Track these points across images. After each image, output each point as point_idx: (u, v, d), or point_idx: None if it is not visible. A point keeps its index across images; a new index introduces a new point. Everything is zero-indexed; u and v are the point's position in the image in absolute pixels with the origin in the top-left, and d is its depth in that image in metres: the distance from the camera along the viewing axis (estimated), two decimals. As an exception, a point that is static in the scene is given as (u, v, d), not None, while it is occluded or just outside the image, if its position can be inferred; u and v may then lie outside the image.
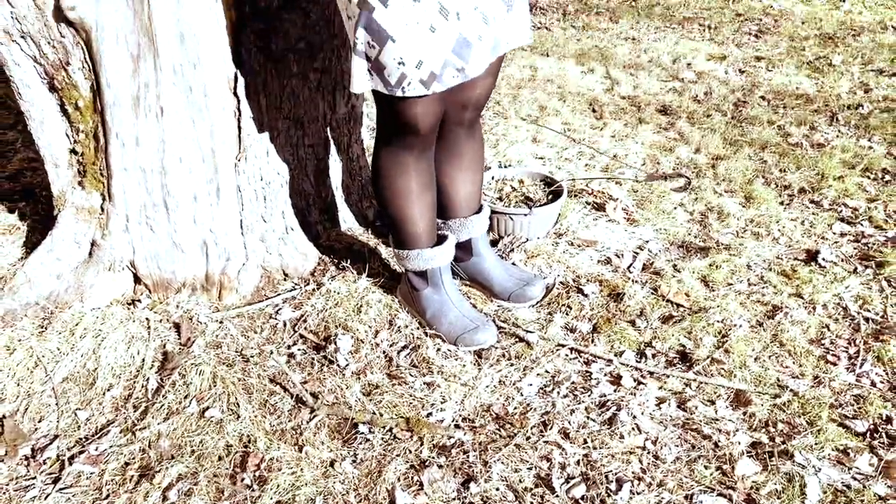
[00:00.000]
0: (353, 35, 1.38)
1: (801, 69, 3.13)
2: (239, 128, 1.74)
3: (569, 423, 1.43)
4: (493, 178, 2.20)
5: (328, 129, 1.96)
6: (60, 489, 1.32)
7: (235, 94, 1.71)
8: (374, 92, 1.45)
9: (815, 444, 1.37)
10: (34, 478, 1.35)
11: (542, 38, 3.67)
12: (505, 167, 2.42)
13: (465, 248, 1.84)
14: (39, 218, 2.09)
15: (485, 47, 1.45)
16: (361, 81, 1.42)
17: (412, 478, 1.33)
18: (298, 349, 1.66)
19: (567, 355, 1.61)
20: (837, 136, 2.56)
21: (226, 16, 1.65)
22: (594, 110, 2.86)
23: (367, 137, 2.12)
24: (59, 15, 1.61)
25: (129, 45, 1.63)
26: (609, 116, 2.80)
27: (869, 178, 2.30)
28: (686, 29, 3.70)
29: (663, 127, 2.70)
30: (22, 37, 1.67)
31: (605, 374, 1.56)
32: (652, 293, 1.81)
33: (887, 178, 2.29)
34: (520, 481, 1.32)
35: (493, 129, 2.73)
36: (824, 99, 2.83)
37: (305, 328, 1.72)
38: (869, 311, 1.73)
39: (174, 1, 1.61)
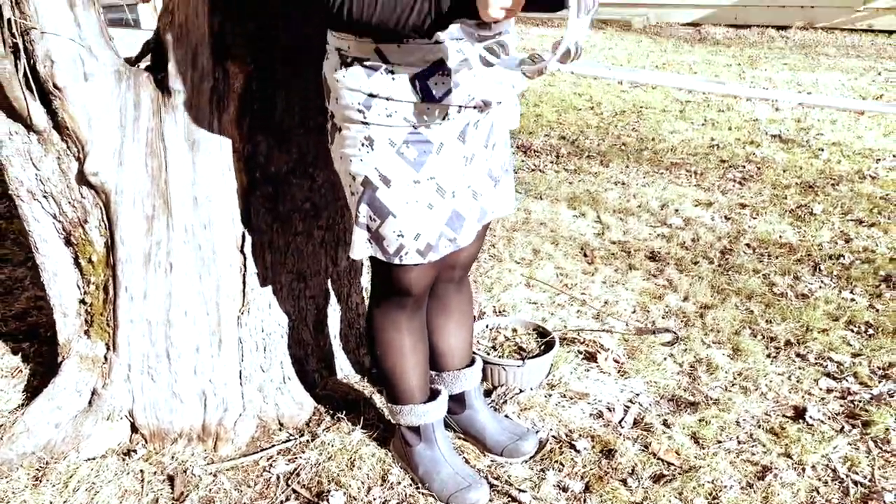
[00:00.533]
0: (355, 209, 1.48)
1: (784, 217, 3.27)
2: (244, 283, 1.82)
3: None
4: (486, 326, 2.27)
5: (329, 280, 2.03)
6: None
7: (242, 251, 1.80)
8: (372, 258, 1.53)
9: None
10: None
11: (536, 181, 3.84)
12: (499, 314, 2.49)
13: (458, 401, 1.88)
14: (42, 360, 2.13)
15: (473, 219, 1.56)
16: (361, 249, 1.51)
17: None
18: (291, 506, 1.66)
19: (559, 517, 1.62)
20: (820, 287, 2.65)
21: (237, 180, 1.76)
22: (585, 255, 2.97)
23: (366, 283, 2.20)
24: (82, 178, 1.73)
25: (144, 206, 1.73)
26: (600, 261, 2.90)
27: (852, 331, 2.37)
28: (673, 174, 3.87)
29: (652, 273, 2.79)
30: (44, 196, 1.77)
31: (597, 539, 1.56)
32: (643, 450, 1.83)
33: (870, 331, 2.36)
34: None
35: (489, 272, 2.82)
36: (807, 248, 2.94)
37: (298, 482, 1.73)
38: (857, 473, 1.75)
39: (190, 168, 1.72)
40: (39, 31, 1.59)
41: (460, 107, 1.39)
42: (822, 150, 4.15)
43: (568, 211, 3.43)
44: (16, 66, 1.62)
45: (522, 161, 4.25)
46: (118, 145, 1.70)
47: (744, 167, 3.93)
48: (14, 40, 1.60)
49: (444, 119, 1.39)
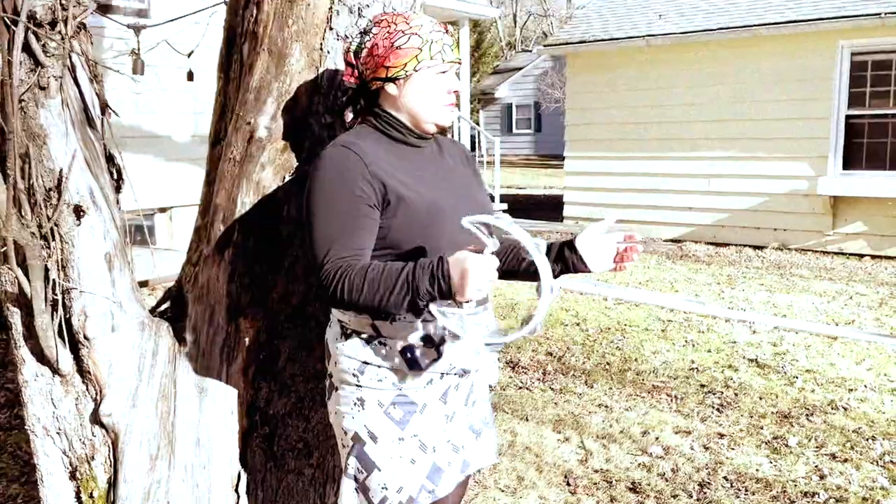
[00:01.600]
0: (345, 461, 1.63)
1: (761, 449, 3.37)
2: (235, 521, 1.91)
3: None
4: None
5: (316, 516, 2.12)
6: None
7: (237, 490, 1.91)
8: (359, 507, 1.65)
9: None
10: None
11: (523, 400, 3.98)
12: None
13: None
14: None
15: (454, 470, 1.70)
16: (349, 498, 1.63)
17: None
18: None
19: None
20: (796, 527, 2.71)
21: (238, 423, 1.92)
22: (569, 483, 3.04)
23: None
24: (96, 418, 1.88)
25: (150, 446, 1.87)
26: (583, 491, 2.97)
27: (828, 577, 2.41)
28: (654, 398, 4.02)
29: (633, 506, 2.86)
30: (58, 433, 1.92)
31: None
32: None
33: (845, 577, 2.40)
34: None
35: (472, 500, 2.88)
36: (782, 484, 3.03)
37: None
38: None
39: (196, 411, 1.88)
40: (79, 290, 1.83)
41: (443, 373, 1.59)
42: (797, 377, 4.34)
43: (553, 434, 3.54)
44: (52, 318, 1.84)
45: (510, 378, 4.42)
46: (133, 388, 1.88)
47: (722, 393, 4.09)
48: (55, 297, 1.83)
49: (428, 384, 1.58)
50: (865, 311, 6.01)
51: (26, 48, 1.72)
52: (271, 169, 1.81)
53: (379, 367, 1.55)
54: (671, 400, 4.00)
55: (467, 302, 1.41)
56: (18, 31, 1.68)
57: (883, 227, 8.28)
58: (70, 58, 1.85)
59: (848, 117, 8.39)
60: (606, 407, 3.90)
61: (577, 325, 5.58)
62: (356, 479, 1.61)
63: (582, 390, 4.17)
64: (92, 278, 1.83)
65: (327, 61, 1.81)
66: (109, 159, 2.01)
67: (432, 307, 1.47)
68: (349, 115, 1.67)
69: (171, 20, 4.85)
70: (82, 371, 1.87)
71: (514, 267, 1.74)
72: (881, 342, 5.08)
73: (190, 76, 5.02)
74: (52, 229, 1.79)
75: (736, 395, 4.07)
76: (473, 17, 11.14)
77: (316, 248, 1.48)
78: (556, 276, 1.69)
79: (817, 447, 3.39)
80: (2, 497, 2.76)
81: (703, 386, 4.22)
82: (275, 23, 1.80)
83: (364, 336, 1.56)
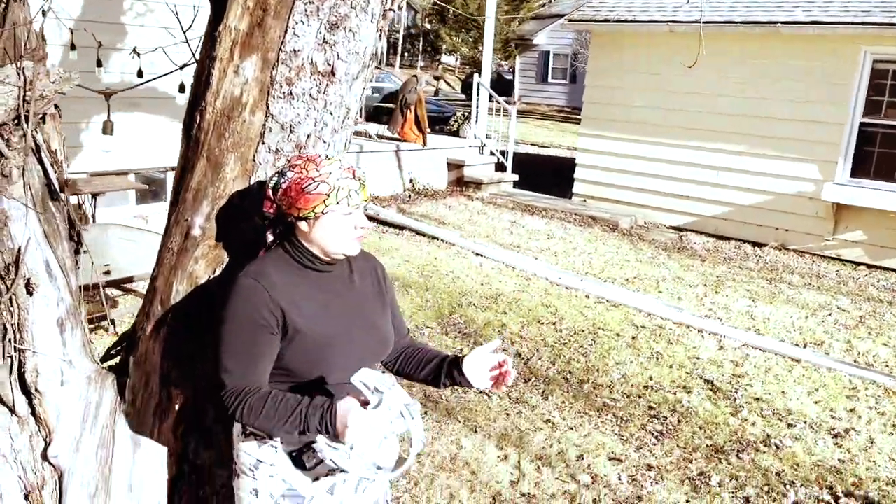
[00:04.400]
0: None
1: (682, 485, 3.63)
2: (160, 555, 2.22)
3: None
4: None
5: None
6: None
7: (163, 529, 2.21)
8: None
9: None
10: None
11: (478, 409, 4.25)
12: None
13: None
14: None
15: None
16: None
17: None
18: None
19: None
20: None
21: (168, 471, 2.20)
22: (494, 507, 3.33)
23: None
24: (45, 456, 2.17)
25: (89, 487, 2.16)
26: (505, 515, 3.26)
27: None
28: (601, 418, 4.28)
29: (546, 537, 3.14)
30: (15, 461, 2.21)
31: None
32: None
33: None
34: None
35: (403, 516, 3.19)
36: (689, 527, 3.29)
37: None
38: None
39: (130, 460, 2.17)
40: (32, 351, 2.09)
41: (328, 473, 1.84)
42: (744, 406, 4.55)
43: (495, 450, 3.82)
44: (10, 371, 2.12)
45: (474, 379, 4.68)
46: (78, 436, 2.15)
47: (666, 418, 4.33)
48: (10, 355, 2.10)
49: (315, 480, 1.84)
50: (840, 332, 6.15)
51: (-9, 143, 1.94)
52: (203, 262, 2.04)
53: (271, 465, 1.81)
54: (616, 421, 4.25)
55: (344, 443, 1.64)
56: (-17, 132, 1.90)
57: (883, 238, 8.31)
58: (35, 141, 2.07)
59: (862, 125, 8.32)
60: (552, 423, 4.16)
61: (553, 324, 5.80)
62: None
63: (537, 402, 4.42)
64: (44, 340, 2.09)
65: (259, 171, 2.00)
66: (71, 225, 2.24)
67: (320, 439, 1.69)
68: (270, 237, 1.88)
69: (147, 80, 5.03)
70: (35, 416, 2.15)
71: (414, 375, 1.99)
72: (841, 370, 5.26)
73: (181, 88, 5.20)
74: (10, 298, 2.04)
75: (679, 421, 4.30)
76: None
77: (220, 368, 1.72)
78: (445, 387, 1.96)
79: (735, 489, 3.64)
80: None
81: (651, 408, 4.45)
82: (214, 133, 1.99)
83: (259, 437, 1.81)
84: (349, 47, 1.99)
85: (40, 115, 2.04)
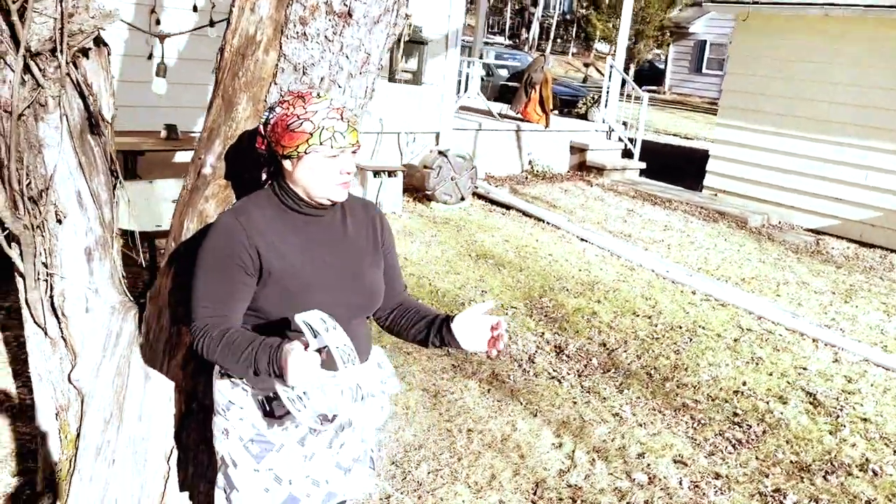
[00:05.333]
0: (218, 475, 1.89)
1: (751, 500, 3.30)
2: (165, 487, 2.27)
3: None
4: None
5: None
6: None
7: (168, 462, 2.25)
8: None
9: None
10: None
11: (545, 392, 4.08)
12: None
13: None
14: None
15: (314, 500, 1.88)
16: (219, 504, 1.90)
17: None
18: None
19: None
20: None
21: (176, 406, 2.24)
22: (535, 493, 3.18)
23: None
24: (70, 379, 2.28)
25: (105, 412, 2.24)
26: (545, 504, 3.11)
27: None
28: (677, 418, 3.98)
29: (584, 531, 2.96)
30: (48, 381, 2.34)
31: None
32: None
33: None
34: None
35: (436, 490, 3.11)
36: (746, 545, 2.99)
37: None
38: None
39: (142, 391, 2.22)
40: (60, 276, 2.18)
41: (297, 423, 1.79)
42: (846, 426, 4.09)
43: (550, 436, 3.65)
44: (42, 295, 2.22)
45: (550, 363, 4.51)
46: (98, 362, 2.24)
47: (750, 427, 3.96)
48: (43, 278, 2.20)
49: (283, 429, 1.79)
50: None
51: (28, 71, 2.03)
52: (214, 202, 2.03)
53: (241, 408, 1.78)
54: (692, 423, 3.95)
55: (292, 387, 1.58)
56: (17, 60, 1.98)
57: None
58: (75, 74, 2.14)
59: None
60: (620, 417, 3.92)
61: (649, 318, 5.49)
62: (225, 492, 1.87)
63: (609, 393, 4.19)
64: (72, 267, 2.18)
65: (269, 112, 1.97)
66: (112, 162, 2.32)
67: (276, 380, 1.64)
68: (264, 175, 1.84)
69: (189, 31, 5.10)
70: (64, 339, 2.25)
71: (404, 332, 1.90)
72: (977, 401, 4.61)
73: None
74: (41, 224, 2.14)
75: (764, 432, 3.93)
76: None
77: (192, 302, 1.71)
78: (436, 347, 1.85)
79: (812, 512, 3.27)
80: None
81: (735, 414, 4.10)
82: (229, 71, 1.97)
83: (233, 379, 1.79)
84: (368, -13, 1.91)
85: (77, 49, 2.11)
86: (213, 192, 2.03)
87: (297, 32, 1.91)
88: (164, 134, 5.74)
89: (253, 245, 1.69)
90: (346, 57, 1.96)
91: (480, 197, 8.38)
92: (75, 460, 2.29)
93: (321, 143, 1.66)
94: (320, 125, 1.66)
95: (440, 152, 7.67)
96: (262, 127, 1.75)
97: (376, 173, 7.12)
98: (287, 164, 1.71)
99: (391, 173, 7.21)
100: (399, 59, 6.53)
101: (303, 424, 1.66)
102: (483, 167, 9.03)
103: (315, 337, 1.54)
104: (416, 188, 7.78)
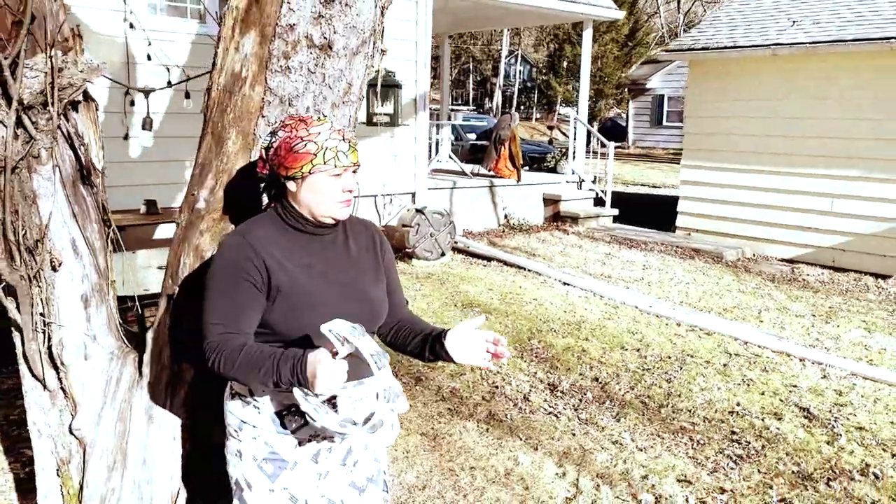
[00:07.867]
0: (233, 500, 1.88)
1: (758, 511, 3.30)
2: (172, 531, 2.24)
3: None
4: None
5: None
6: None
7: (175, 504, 2.23)
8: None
9: None
10: None
11: (543, 427, 4.08)
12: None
13: None
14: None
15: None
16: (237, 533, 1.89)
17: None
18: None
19: None
20: None
21: (182, 446, 2.23)
22: (544, 522, 3.15)
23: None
24: (71, 430, 2.26)
25: (108, 459, 2.22)
26: (555, 531, 3.08)
27: None
28: (676, 440, 3.99)
29: (596, 554, 2.93)
30: (48, 436, 2.32)
31: None
32: None
33: None
34: None
35: (446, 526, 3.07)
36: (759, 553, 2.97)
37: None
38: None
39: (145, 434, 2.22)
40: (57, 324, 2.20)
41: (311, 437, 1.80)
42: (842, 435, 4.12)
43: (553, 467, 3.63)
44: (40, 346, 2.23)
45: (545, 400, 4.51)
46: (99, 409, 2.24)
47: (749, 443, 3.98)
48: (41, 329, 2.21)
49: (298, 445, 1.80)
50: (970, 364, 5.50)
51: (21, 125, 2.10)
52: (208, 236, 2.09)
53: (254, 426, 1.79)
54: (691, 444, 3.95)
55: (318, 395, 1.61)
56: (10, 115, 2.05)
57: None
58: (66, 127, 2.21)
59: None
60: (620, 444, 3.92)
61: (638, 350, 5.53)
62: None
63: (607, 423, 4.20)
64: (69, 314, 2.20)
65: (259, 145, 2.05)
66: (104, 211, 2.37)
67: (295, 390, 1.67)
68: (265, 199, 1.90)
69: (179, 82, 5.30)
70: (63, 389, 2.25)
71: (403, 347, 1.94)
72: (967, 403, 4.67)
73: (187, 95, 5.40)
74: (37, 273, 2.17)
75: (763, 447, 3.95)
76: (597, 19, 10.98)
77: (204, 321, 1.73)
78: (431, 361, 1.88)
79: (820, 517, 3.27)
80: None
81: (732, 433, 4.12)
82: (217, 108, 2.06)
83: (244, 399, 1.80)
84: (345, 21, 2.02)
85: (67, 102, 2.19)
86: (207, 226, 2.09)
87: (281, 66, 2.01)
88: (143, 209, 5.79)
89: (261, 260, 1.73)
90: (329, 87, 2.06)
91: (461, 251, 8.48)
92: (79, 513, 2.25)
93: (325, 163, 1.73)
94: (324, 146, 1.73)
95: (417, 210, 7.80)
96: (263, 151, 1.82)
97: (356, 235, 7.19)
98: (291, 185, 1.77)
99: (371, 234, 7.28)
100: (377, 101, 6.81)
101: (328, 430, 1.67)
102: (460, 224, 9.17)
103: (343, 345, 1.58)
104: (397, 248, 7.86)
